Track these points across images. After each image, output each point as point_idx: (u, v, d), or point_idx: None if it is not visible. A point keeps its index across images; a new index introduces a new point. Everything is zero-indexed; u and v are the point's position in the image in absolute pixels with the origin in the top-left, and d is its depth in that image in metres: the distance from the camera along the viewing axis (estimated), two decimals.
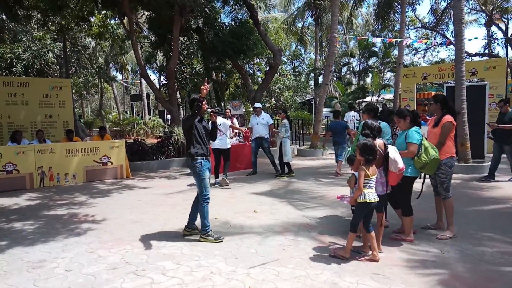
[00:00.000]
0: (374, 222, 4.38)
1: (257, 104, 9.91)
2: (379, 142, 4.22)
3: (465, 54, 10.59)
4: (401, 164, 4.13)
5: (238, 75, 18.70)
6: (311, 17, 25.20)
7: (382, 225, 4.32)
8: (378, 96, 23.68)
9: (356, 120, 15.07)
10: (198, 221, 4.87)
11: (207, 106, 4.88)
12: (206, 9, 13.42)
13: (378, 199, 4.02)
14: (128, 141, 11.64)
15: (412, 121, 4.57)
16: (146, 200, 7.07)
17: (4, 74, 17.18)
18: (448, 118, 4.80)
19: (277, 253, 4.24)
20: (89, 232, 5.16)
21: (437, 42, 25.12)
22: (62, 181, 8.80)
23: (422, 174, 4.71)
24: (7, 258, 4.24)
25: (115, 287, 3.48)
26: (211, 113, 5.30)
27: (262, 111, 9.76)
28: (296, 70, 29.94)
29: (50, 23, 15.95)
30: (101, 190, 8.11)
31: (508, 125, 7.72)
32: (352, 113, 15.98)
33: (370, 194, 3.94)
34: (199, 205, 4.74)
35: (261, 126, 9.39)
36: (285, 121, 9.26)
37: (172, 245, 4.54)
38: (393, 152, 4.17)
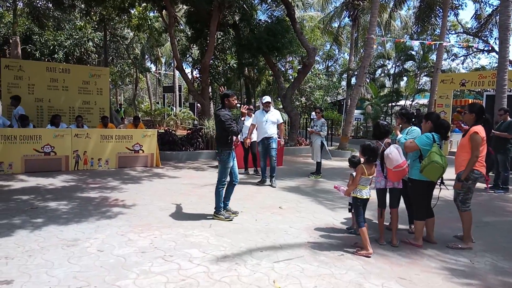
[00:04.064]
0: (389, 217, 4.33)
1: (267, 98, 8.31)
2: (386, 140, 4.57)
3: (509, 62, 10.17)
4: (396, 162, 4.23)
5: (270, 72, 18.71)
6: (348, 17, 24.81)
7: (396, 221, 4.56)
8: (412, 101, 23.12)
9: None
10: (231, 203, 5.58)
11: (236, 101, 5.46)
12: (244, 5, 13.49)
13: (370, 196, 4.28)
14: (159, 131, 11.90)
15: (433, 127, 4.52)
16: (174, 189, 7.23)
17: (46, 60, 17.95)
18: (475, 128, 4.47)
19: (301, 250, 4.25)
20: (120, 216, 5.33)
21: (478, 47, 24.21)
22: (96, 166, 9.12)
23: (438, 183, 4.58)
24: (44, 234, 4.45)
25: (144, 270, 3.60)
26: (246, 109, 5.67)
27: (272, 106, 8.41)
28: (329, 70, 29.62)
29: (92, 13, 16.47)
30: (132, 177, 8.35)
31: (503, 133, 7.72)
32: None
33: (363, 191, 4.23)
34: (216, 188, 5.33)
35: (270, 124, 7.96)
36: (323, 120, 9.07)
37: (199, 234, 4.64)
38: (389, 149, 4.32)
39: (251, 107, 9.50)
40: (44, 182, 7.43)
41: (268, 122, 7.95)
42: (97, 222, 4.98)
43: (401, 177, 4.45)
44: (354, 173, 4.49)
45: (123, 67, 26.03)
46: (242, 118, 5.43)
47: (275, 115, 8.12)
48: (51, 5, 16.15)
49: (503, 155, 7.89)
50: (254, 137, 8.46)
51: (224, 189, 5.40)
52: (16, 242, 4.18)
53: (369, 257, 4.07)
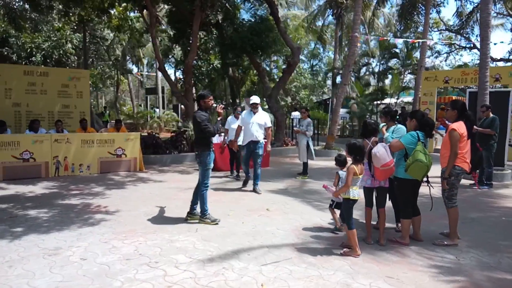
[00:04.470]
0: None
1: (254, 99, 7.56)
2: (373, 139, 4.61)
3: (490, 59, 10.32)
4: (383, 160, 4.23)
5: (255, 72, 18.65)
6: (332, 16, 24.87)
7: (383, 220, 4.56)
8: (397, 99, 23.34)
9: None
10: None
11: (213, 102, 5.45)
12: (226, 4, 13.41)
13: (359, 197, 4.24)
14: (142, 134, 11.71)
15: (418, 125, 4.47)
16: (159, 193, 7.10)
17: (24, 63, 17.49)
18: (452, 125, 4.54)
19: (289, 251, 4.20)
20: (103, 222, 5.19)
21: (460, 45, 24.55)
22: (77, 171, 8.89)
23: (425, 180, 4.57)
24: (24, 244, 4.30)
25: (129, 277, 3.49)
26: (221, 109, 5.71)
27: (260, 108, 7.78)
28: (314, 69, 29.71)
29: (70, 14, 16.14)
30: (115, 182, 8.17)
31: (486, 129, 7.81)
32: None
33: (355, 192, 4.16)
34: (199, 191, 5.24)
35: (257, 127, 7.36)
36: (309, 120, 9.02)
37: (185, 239, 4.55)
38: (377, 148, 4.32)
39: (239, 109, 9.15)
40: (24, 190, 7.20)
41: (254, 124, 7.35)
42: (79, 230, 4.84)
43: (388, 175, 4.45)
44: (340, 172, 4.48)
45: (103, 69, 25.62)
46: (219, 118, 5.57)
47: (263, 118, 7.51)
48: (28, 6, 15.76)
49: (486, 151, 7.98)
50: (240, 139, 7.84)
51: (208, 191, 5.32)
52: None
53: (357, 257, 4.04)
